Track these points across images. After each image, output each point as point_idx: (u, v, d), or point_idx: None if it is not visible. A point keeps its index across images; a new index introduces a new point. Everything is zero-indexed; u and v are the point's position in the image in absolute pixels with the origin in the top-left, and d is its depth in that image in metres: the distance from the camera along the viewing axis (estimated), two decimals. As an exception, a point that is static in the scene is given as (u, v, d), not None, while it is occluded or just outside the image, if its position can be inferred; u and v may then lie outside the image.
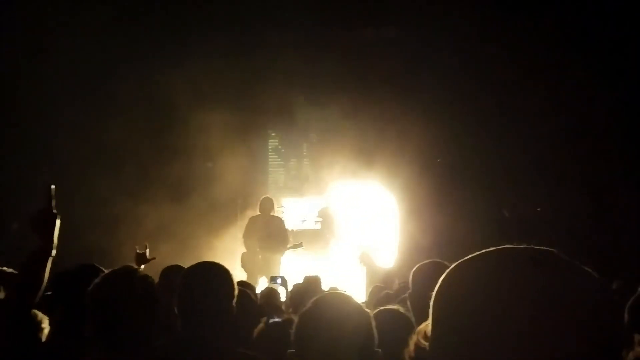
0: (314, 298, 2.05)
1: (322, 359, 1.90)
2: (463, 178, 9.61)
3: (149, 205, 9.29)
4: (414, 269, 3.44)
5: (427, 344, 0.98)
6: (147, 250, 5.57)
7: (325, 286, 5.73)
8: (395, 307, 3.14)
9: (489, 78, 9.41)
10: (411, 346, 1.03)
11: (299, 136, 11.15)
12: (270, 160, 11.28)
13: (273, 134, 11.28)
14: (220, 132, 9.51)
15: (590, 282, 0.91)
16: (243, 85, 10.07)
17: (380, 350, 1.98)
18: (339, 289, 5.26)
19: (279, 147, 11.29)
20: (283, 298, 5.90)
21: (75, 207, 8.31)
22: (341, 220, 10.22)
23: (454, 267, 0.97)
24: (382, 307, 3.12)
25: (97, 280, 2.37)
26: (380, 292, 5.16)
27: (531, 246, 0.95)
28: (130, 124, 9.21)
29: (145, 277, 2.42)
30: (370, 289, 5.98)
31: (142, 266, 4.90)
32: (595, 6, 9.08)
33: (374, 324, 2.00)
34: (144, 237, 7.35)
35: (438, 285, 0.97)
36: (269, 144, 11.27)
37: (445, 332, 0.93)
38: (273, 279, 6.97)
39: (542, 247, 0.94)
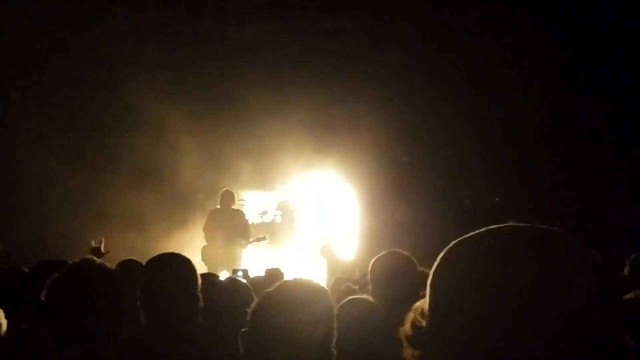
0: (280, 282, 2.00)
1: (274, 343, 1.82)
2: (422, 168, 9.69)
3: (108, 192, 9.18)
4: (373, 260, 3.49)
5: (424, 321, 0.98)
6: (103, 244, 5.50)
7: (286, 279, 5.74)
8: (362, 296, 3.17)
9: (447, 64, 9.49)
10: (407, 324, 1.03)
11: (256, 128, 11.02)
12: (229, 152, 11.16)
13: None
14: (180, 123, 9.45)
15: (590, 262, 0.92)
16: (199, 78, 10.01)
17: (334, 351, 1.91)
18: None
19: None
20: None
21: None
22: (301, 213, 10.24)
23: (453, 245, 0.97)
24: (349, 297, 3.14)
25: (56, 274, 2.30)
26: (342, 283, 5.19)
27: (532, 225, 0.95)
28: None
29: (106, 270, 2.35)
30: (332, 281, 6.01)
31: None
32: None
33: (335, 321, 1.94)
34: (102, 227, 7.26)
35: (436, 263, 0.97)
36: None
37: (443, 310, 0.93)
38: (235, 272, 6.95)
39: (544, 227, 0.95)
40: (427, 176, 9.61)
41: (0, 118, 9.11)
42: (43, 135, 9.30)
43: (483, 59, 9.19)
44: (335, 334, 1.93)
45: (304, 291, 1.95)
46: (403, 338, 1.02)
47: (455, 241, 0.97)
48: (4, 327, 2.73)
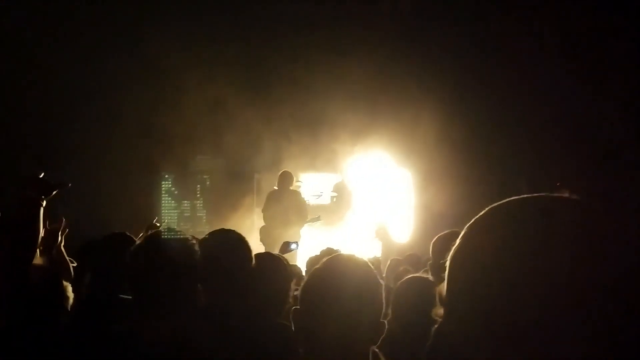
0: (326, 258, 2.02)
1: (326, 319, 1.84)
2: (479, 148, 9.53)
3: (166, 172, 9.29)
4: (434, 239, 3.48)
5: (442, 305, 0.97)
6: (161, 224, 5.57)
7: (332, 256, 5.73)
8: (420, 274, 3.17)
9: (508, 48, 9.30)
10: (438, 307, 1.04)
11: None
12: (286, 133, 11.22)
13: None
14: (238, 105, 9.55)
15: (609, 232, 0.88)
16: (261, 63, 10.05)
17: (385, 322, 1.93)
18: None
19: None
20: (296, 262, 5.94)
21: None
22: (357, 195, 10.24)
23: (467, 226, 0.96)
24: (409, 275, 3.14)
25: (136, 244, 2.36)
26: (398, 265, 5.18)
27: (547, 194, 0.93)
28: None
29: (186, 241, 2.37)
30: (387, 263, 6.01)
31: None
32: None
33: (383, 293, 1.95)
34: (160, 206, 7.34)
35: (454, 246, 0.96)
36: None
37: (459, 291, 0.92)
38: (288, 244, 7.02)
39: (559, 195, 0.93)
40: (485, 156, 9.45)
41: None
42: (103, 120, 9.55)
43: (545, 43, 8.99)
44: (383, 306, 1.94)
45: (349, 265, 1.98)
46: (438, 297, 1.01)
47: (471, 221, 0.96)
48: (71, 300, 2.82)
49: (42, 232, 2.70)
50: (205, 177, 10.89)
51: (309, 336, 1.88)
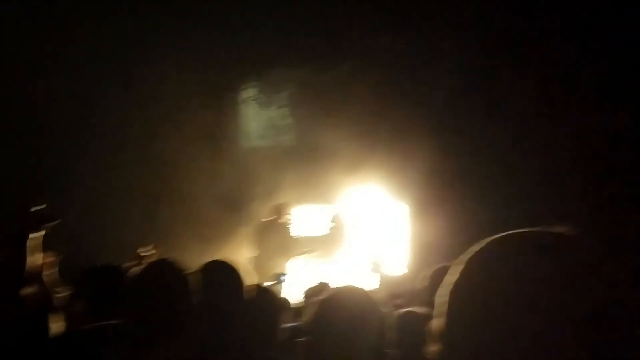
0: (331, 291, 2.09)
1: (333, 348, 1.89)
2: (474, 180, 9.54)
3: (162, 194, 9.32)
4: (432, 270, 3.44)
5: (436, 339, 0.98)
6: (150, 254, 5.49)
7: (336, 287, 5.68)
8: (418, 308, 3.14)
9: (493, 73, 9.40)
10: (431, 345, 1.03)
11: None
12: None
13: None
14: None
15: (602, 271, 0.89)
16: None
17: (390, 351, 2.00)
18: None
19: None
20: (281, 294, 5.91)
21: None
22: (352, 228, 10.20)
23: (467, 261, 0.96)
24: (407, 309, 3.12)
25: (134, 275, 2.38)
26: (394, 299, 5.12)
27: (543, 230, 0.94)
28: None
29: (181, 271, 2.38)
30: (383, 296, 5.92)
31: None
32: None
33: (386, 324, 2.04)
34: (156, 231, 7.31)
35: (454, 281, 0.96)
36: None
37: (451, 326, 0.93)
38: (278, 277, 7.03)
39: (555, 231, 0.94)
40: (480, 191, 9.45)
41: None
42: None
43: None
44: (385, 337, 2.01)
45: (353, 297, 2.03)
46: (430, 333, 1.02)
47: (464, 255, 0.97)
48: (54, 329, 2.80)
49: (30, 264, 2.74)
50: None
51: None
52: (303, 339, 1.97)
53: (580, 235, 0.93)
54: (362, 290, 2.14)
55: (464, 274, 0.94)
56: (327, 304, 1.99)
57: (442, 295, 0.96)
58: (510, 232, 0.95)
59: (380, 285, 7.20)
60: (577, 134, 8.96)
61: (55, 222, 2.88)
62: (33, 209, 2.83)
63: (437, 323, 0.97)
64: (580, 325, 0.84)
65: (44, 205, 2.88)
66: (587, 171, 8.90)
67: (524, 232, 0.95)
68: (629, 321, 0.87)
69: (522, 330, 0.85)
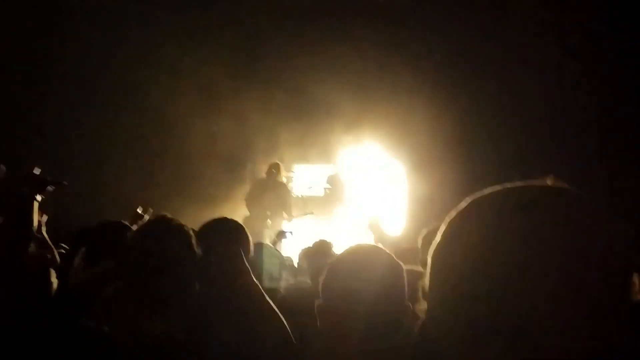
0: (346, 248, 2.02)
1: (350, 307, 1.85)
2: (474, 139, 9.50)
3: (156, 158, 9.30)
4: (425, 232, 3.46)
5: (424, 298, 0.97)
6: (148, 214, 5.46)
7: (335, 251, 5.74)
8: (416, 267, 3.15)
9: (505, 39, 9.27)
10: (421, 303, 1.02)
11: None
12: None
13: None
14: (233, 93, 9.50)
15: (594, 224, 0.85)
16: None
17: (410, 304, 1.92)
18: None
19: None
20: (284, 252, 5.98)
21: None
22: (350, 187, 10.22)
23: (448, 222, 0.94)
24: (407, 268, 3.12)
25: (132, 234, 2.33)
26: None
27: (530, 183, 0.91)
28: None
29: (184, 231, 2.31)
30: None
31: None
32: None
33: (405, 276, 1.96)
34: (150, 194, 7.33)
35: (435, 242, 0.94)
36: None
37: (441, 288, 0.91)
38: (283, 234, 7.04)
39: (543, 184, 0.90)
40: (479, 151, 9.42)
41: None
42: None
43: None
44: (406, 287, 1.94)
45: (367, 253, 1.99)
46: (420, 291, 1.01)
47: (451, 213, 0.94)
48: (55, 285, 2.83)
49: (36, 224, 2.81)
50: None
51: (335, 327, 1.88)
52: (319, 301, 1.92)
53: (568, 188, 0.89)
54: (375, 246, 2.09)
55: (445, 235, 0.92)
56: (337, 265, 1.94)
57: (429, 255, 0.94)
58: (491, 188, 0.92)
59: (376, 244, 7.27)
60: (578, 85, 8.86)
61: (58, 185, 2.95)
62: (36, 170, 2.89)
63: (424, 282, 0.96)
64: (571, 284, 0.80)
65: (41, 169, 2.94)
66: (589, 127, 8.84)
67: (505, 188, 0.91)
68: (627, 276, 0.84)
69: (505, 292, 0.82)
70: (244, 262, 2.47)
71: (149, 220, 2.42)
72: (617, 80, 8.68)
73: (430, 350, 0.93)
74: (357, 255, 1.97)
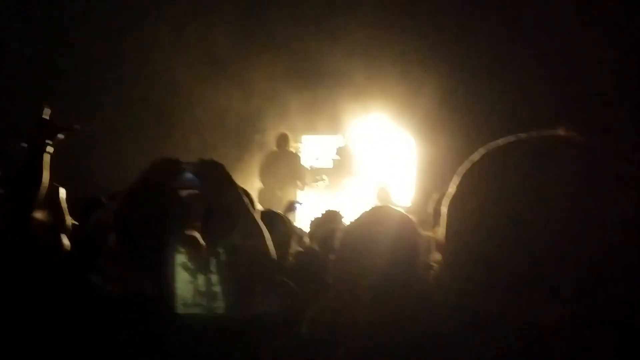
0: (367, 209, 2.04)
1: (364, 261, 1.86)
2: (484, 109, 9.41)
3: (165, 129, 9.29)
4: (436, 200, 3.44)
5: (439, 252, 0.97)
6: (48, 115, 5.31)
7: (345, 221, 5.75)
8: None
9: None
10: (435, 253, 1.03)
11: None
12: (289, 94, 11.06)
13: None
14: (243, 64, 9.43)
15: (610, 173, 0.84)
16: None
17: (432, 263, 1.93)
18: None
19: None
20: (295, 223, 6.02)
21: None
22: (359, 158, 10.20)
23: (464, 173, 0.94)
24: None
25: (125, 193, 2.23)
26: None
27: (543, 134, 0.91)
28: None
29: (174, 191, 2.24)
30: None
31: None
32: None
33: (419, 231, 1.96)
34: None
35: (452, 194, 0.95)
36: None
37: (457, 240, 0.91)
38: (293, 204, 7.08)
39: (556, 134, 0.90)
40: (489, 121, 9.34)
41: None
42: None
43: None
44: (420, 251, 1.93)
45: (381, 211, 2.05)
46: (435, 243, 1.02)
47: (468, 162, 0.95)
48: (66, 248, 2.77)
49: (47, 181, 2.52)
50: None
51: (348, 284, 1.89)
52: (333, 256, 1.94)
53: (583, 137, 0.88)
54: (394, 209, 2.10)
55: (460, 186, 0.92)
56: (352, 224, 1.98)
57: (444, 206, 0.95)
58: (504, 139, 0.92)
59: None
60: (590, 48, 8.73)
61: (74, 130, 2.62)
62: (45, 113, 2.57)
63: (439, 233, 0.96)
64: (588, 234, 0.80)
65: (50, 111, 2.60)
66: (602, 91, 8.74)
67: (519, 139, 0.91)
68: None
69: (524, 239, 0.83)
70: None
71: (137, 184, 2.23)
72: (632, 39, 8.55)
73: (447, 297, 0.93)
74: (372, 214, 2.01)
